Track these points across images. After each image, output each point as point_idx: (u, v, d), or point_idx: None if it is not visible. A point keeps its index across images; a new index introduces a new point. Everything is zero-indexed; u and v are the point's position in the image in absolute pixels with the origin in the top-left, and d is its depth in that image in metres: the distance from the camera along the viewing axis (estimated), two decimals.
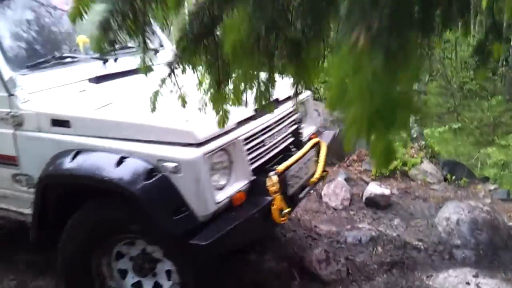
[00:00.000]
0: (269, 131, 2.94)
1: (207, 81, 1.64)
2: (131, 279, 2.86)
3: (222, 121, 1.66)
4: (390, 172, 5.37)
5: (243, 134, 2.68)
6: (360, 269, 3.56)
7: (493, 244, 3.87)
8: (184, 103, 1.75)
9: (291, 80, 1.71)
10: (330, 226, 4.16)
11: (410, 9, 1.11)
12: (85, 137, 2.66)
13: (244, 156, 2.67)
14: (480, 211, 4.08)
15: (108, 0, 1.47)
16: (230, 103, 1.64)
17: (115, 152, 2.53)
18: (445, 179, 5.53)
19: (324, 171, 3.32)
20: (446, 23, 1.48)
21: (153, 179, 2.41)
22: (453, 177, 5.45)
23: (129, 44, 2.65)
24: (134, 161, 2.47)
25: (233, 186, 2.61)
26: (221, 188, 2.55)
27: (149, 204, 2.42)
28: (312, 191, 4.21)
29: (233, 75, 1.58)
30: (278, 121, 3.04)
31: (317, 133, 3.59)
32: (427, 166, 5.73)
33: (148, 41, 1.60)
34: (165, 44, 3.88)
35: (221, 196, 2.52)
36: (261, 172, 2.76)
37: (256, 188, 2.69)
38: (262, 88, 1.61)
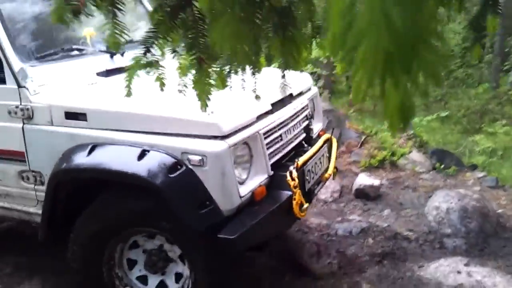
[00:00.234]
0: (285, 126, 2.91)
1: (186, 61, 1.53)
2: (138, 271, 2.80)
3: (205, 104, 1.55)
4: (379, 163, 5.37)
5: (263, 128, 2.65)
6: (351, 262, 3.55)
7: (483, 232, 3.87)
8: (162, 86, 1.63)
9: (279, 60, 1.63)
10: (321, 219, 4.14)
11: None
12: (103, 130, 2.58)
13: (264, 150, 2.63)
14: (469, 199, 4.08)
15: None
16: (214, 85, 1.53)
17: (135, 145, 2.47)
18: (434, 168, 5.53)
19: (334, 167, 3.32)
20: None
21: (178, 172, 2.36)
22: (442, 166, 5.45)
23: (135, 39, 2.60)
24: (158, 154, 2.41)
25: (253, 181, 2.57)
26: (242, 183, 2.50)
27: (173, 198, 2.37)
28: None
29: (216, 48, 1.41)
30: (292, 116, 3.02)
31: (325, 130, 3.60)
32: (416, 155, 5.73)
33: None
34: None
35: (244, 190, 2.48)
36: (277, 168, 2.72)
37: (275, 183, 2.65)
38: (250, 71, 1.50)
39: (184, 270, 2.71)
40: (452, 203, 4.07)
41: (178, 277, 2.75)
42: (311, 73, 8.36)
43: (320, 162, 3.13)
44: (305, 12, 1.54)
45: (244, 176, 2.53)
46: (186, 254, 2.65)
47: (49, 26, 3.15)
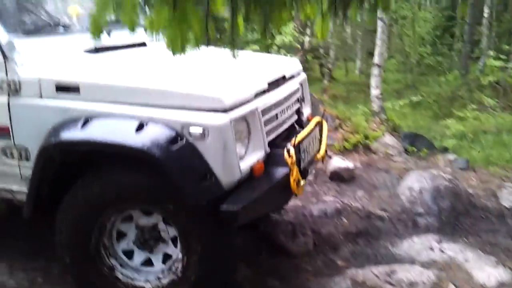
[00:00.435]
0: (280, 105, 2.91)
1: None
2: (125, 244, 2.73)
3: (181, 47, 1.46)
4: (353, 147, 5.41)
5: (261, 106, 2.65)
6: (326, 241, 3.59)
7: (455, 211, 3.95)
8: None
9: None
10: (296, 201, 4.16)
11: None
12: (97, 103, 2.50)
13: (262, 127, 2.63)
14: (442, 180, 4.16)
15: None
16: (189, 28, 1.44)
17: (132, 118, 2.40)
18: (406, 151, 5.61)
19: (325, 150, 3.34)
20: None
21: (178, 144, 2.32)
22: (414, 149, 5.53)
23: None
24: (157, 127, 2.36)
25: (252, 157, 2.56)
26: (241, 158, 2.48)
27: (174, 171, 2.32)
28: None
29: None
30: (286, 96, 3.02)
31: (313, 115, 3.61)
32: (388, 139, 5.81)
33: None
34: None
35: (244, 165, 2.46)
36: (273, 146, 2.72)
37: (273, 160, 2.64)
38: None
39: (175, 252, 2.66)
40: (425, 183, 4.14)
41: (166, 258, 2.70)
42: None
43: (313, 143, 3.15)
44: None
45: (242, 152, 2.51)
46: (183, 234, 2.58)
47: (37, 0, 3.10)
